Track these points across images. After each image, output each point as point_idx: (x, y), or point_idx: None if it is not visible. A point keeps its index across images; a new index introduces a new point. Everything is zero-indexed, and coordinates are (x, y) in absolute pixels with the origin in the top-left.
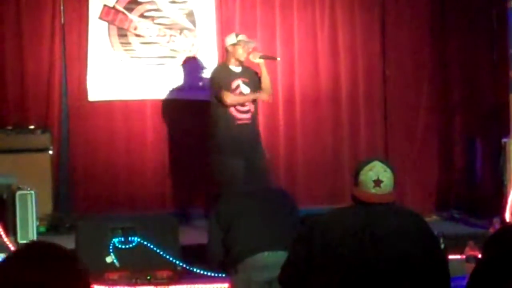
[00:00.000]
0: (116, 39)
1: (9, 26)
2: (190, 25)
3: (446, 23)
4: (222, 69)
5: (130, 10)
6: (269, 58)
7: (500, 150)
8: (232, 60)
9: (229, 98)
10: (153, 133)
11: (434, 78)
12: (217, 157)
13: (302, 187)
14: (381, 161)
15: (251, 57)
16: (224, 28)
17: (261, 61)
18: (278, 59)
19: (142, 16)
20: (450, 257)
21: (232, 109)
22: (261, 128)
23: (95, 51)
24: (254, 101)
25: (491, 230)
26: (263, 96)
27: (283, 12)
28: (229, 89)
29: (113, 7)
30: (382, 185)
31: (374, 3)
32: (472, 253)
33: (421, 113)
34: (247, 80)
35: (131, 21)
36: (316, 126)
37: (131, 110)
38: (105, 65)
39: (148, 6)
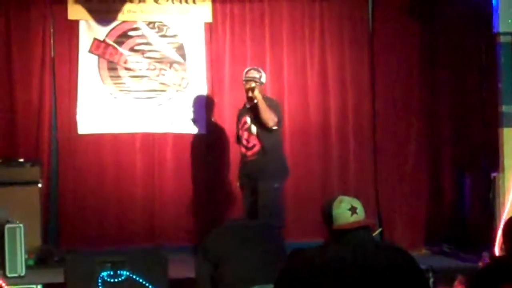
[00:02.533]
0: (106, 73)
1: None
2: (180, 59)
3: (435, 57)
4: (242, 108)
5: (120, 43)
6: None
7: (490, 184)
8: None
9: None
10: (142, 167)
11: (423, 112)
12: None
13: (291, 220)
14: (344, 195)
15: (250, 94)
16: (214, 62)
17: (258, 98)
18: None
19: (132, 49)
20: None
21: (241, 146)
22: None
23: (85, 84)
24: (259, 138)
25: (481, 264)
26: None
27: (272, 47)
28: (237, 125)
29: (103, 41)
30: (357, 211)
31: (363, 38)
32: (461, 287)
33: (410, 146)
34: (253, 116)
35: (121, 54)
36: (305, 160)
37: (121, 143)
38: (95, 98)
39: (138, 40)
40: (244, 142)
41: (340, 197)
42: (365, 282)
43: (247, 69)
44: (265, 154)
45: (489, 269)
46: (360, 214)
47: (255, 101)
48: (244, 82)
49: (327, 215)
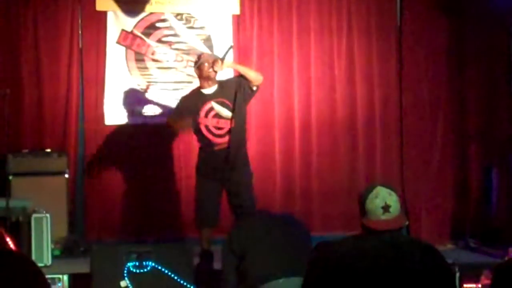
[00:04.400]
0: (133, 64)
1: (27, 50)
2: (207, 51)
3: (463, 52)
4: (186, 98)
5: (148, 35)
6: (226, 53)
7: None
8: (204, 83)
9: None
10: (169, 157)
11: (450, 107)
12: (196, 177)
13: (317, 213)
14: (384, 185)
15: (216, 68)
16: (242, 54)
17: (229, 64)
18: (231, 44)
19: (159, 41)
20: (466, 285)
21: (207, 133)
22: (277, 154)
23: (112, 76)
24: (234, 116)
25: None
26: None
27: (300, 39)
28: (196, 115)
29: (131, 32)
30: (391, 209)
31: (391, 32)
32: (487, 282)
33: (437, 141)
34: (223, 99)
35: (148, 46)
36: (332, 153)
37: (147, 134)
38: (122, 89)
39: (166, 32)
40: (213, 130)
41: (377, 189)
42: (391, 279)
43: (197, 56)
44: (239, 131)
45: None
46: (393, 213)
47: (224, 70)
48: (202, 66)
49: (361, 205)
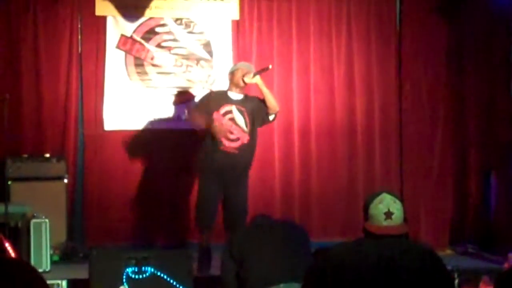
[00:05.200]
0: (132, 69)
1: (26, 54)
2: (207, 56)
3: (462, 57)
4: (215, 93)
5: (147, 40)
6: (262, 71)
7: None
8: (233, 88)
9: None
10: (168, 163)
11: (450, 112)
12: (200, 176)
13: (316, 219)
14: (390, 193)
15: (246, 79)
16: (241, 59)
17: (258, 81)
18: (270, 66)
19: (159, 46)
20: None
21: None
22: (276, 159)
23: (111, 81)
24: (250, 133)
25: (506, 265)
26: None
27: (300, 44)
28: (210, 110)
29: (131, 37)
30: (393, 217)
31: (391, 37)
32: (486, 287)
33: (436, 146)
34: (243, 109)
35: (148, 51)
36: (331, 159)
37: (147, 139)
38: (122, 94)
39: (165, 36)
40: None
41: (383, 195)
42: (390, 283)
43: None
44: (251, 150)
45: None
46: (395, 220)
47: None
48: (236, 72)
49: (365, 210)
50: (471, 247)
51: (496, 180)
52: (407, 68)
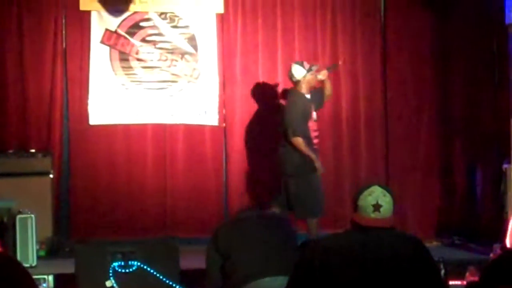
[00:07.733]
0: (117, 63)
1: (10, 50)
2: (191, 50)
3: (447, 48)
4: (303, 103)
5: (132, 34)
6: (334, 67)
7: (501, 176)
8: (305, 88)
9: (297, 141)
10: (154, 157)
11: (435, 103)
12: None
13: None
14: (381, 186)
15: (320, 75)
16: (226, 53)
17: (326, 76)
18: (340, 62)
19: (143, 40)
20: (451, 282)
21: (313, 135)
22: (261, 150)
23: (96, 75)
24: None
25: (492, 256)
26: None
27: (284, 36)
28: (308, 119)
29: (115, 32)
30: (381, 209)
31: (376, 29)
32: (472, 279)
33: (422, 137)
34: (313, 105)
35: (132, 45)
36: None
37: (132, 134)
38: (106, 89)
39: (150, 31)
40: (313, 133)
41: (373, 188)
42: (376, 272)
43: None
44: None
45: (503, 261)
46: (383, 213)
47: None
48: (314, 72)
49: (354, 201)
50: (457, 238)
51: (481, 172)
52: (392, 59)
